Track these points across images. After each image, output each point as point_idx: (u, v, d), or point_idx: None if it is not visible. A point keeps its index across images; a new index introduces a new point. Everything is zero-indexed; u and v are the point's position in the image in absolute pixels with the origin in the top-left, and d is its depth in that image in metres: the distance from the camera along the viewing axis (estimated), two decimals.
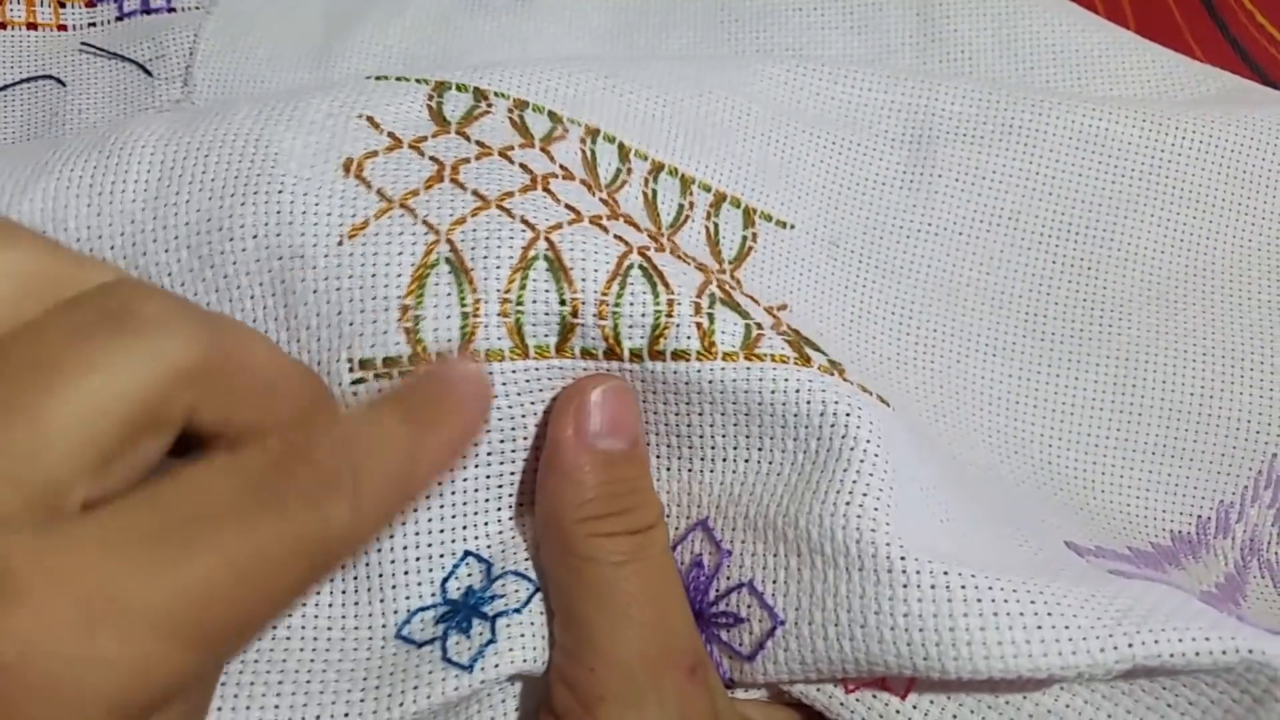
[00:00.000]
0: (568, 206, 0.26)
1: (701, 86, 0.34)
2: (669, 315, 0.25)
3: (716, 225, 0.32)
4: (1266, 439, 0.34)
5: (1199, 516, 0.34)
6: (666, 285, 0.25)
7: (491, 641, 0.25)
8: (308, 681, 0.24)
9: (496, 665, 0.24)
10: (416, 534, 0.25)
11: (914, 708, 0.23)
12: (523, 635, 0.25)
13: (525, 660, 0.24)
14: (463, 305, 0.24)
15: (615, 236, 0.26)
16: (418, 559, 0.25)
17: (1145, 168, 0.36)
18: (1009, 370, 0.35)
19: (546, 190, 0.27)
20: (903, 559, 0.22)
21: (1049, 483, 0.34)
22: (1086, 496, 0.34)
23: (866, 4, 0.45)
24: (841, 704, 0.24)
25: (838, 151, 0.36)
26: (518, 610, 0.25)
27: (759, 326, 0.25)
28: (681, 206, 0.31)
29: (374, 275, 0.24)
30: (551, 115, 0.31)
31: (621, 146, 0.31)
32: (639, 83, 0.33)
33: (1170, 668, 0.21)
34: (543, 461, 0.25)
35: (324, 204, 0.25)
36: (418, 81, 0.29)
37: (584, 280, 0.25)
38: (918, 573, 0.22)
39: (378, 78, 0.29)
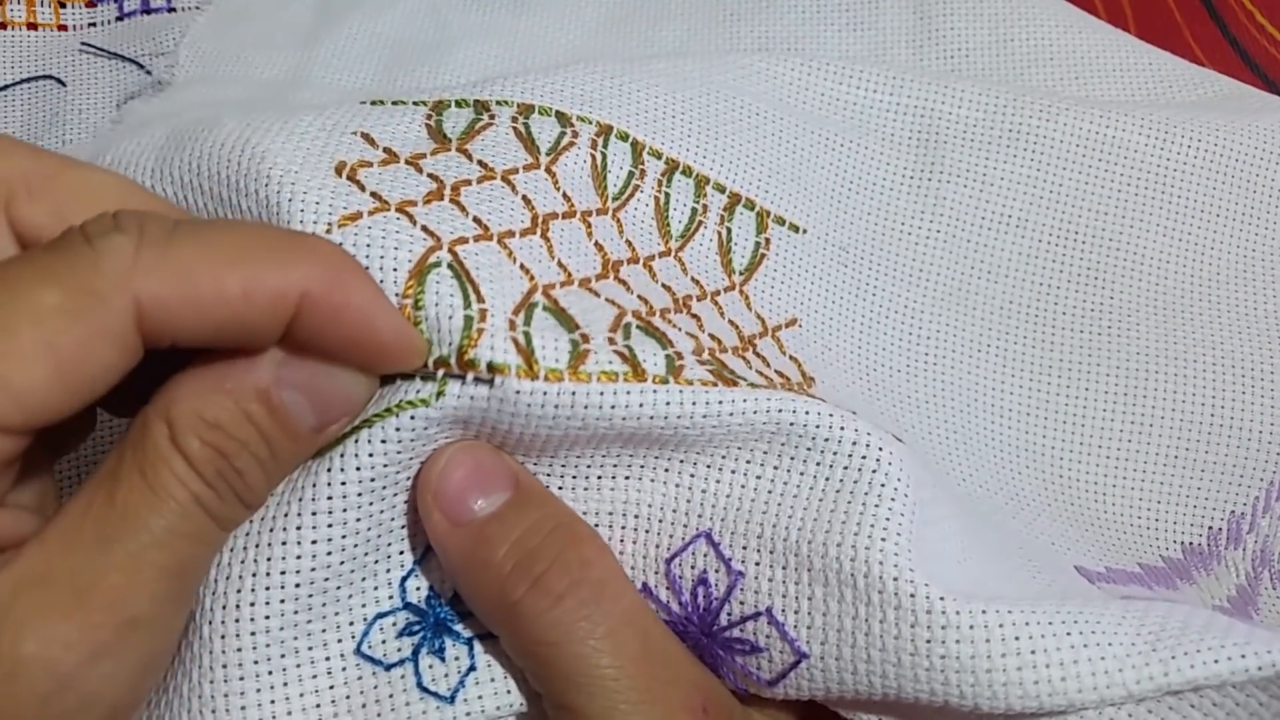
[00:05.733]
0: (560, 265, 0.25)
1: (709, 85, 0.34)
2: (680, 360, 0.24)
3: (730, 230, 0.31)
4: (1277, 449, 0.34)
5: (1210, 527, 0.34)
6: (671, 344, 0.24)
7: (471, 669, 0.23)
8: None
9: (480, 697, 0.23)
10: (370, 529, 0.23)
11: None
12: (506, 660, 0.24)
13: (510, 691, 0.24)
14: (467, 309, 0.22)
15: (607, 300, 0.25)
16: (375, 560, 0.23)
17: (1152, 175, 0.36)
18: (1019, 381, 0.35)
19: (545, 237, 0.26)
20: (941, 599, 0.22)
21: (1060, 497, 0.34)
22: (1098, 510, 0.34)
23: (864, 1, 0.45)
24: None
25: (845, 155, 0.36)
26: (494, 635, 0.24)
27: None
28: (695, 211, 0.31)
29: (367, 263, 0.22)
30: (560, 116, 0.29)
31: (635, 144, 0.30)
32: (646, 82, 0.32)
33: (1203, 688, 0.21)
34: (443, 566, 0.23)
35: (313, 194, 0.23)
36: (415, 104, 0.28)
37: (589, 326, 0.23)
38: (957, 613, 0.21)
39: (374, 101, 0.28)
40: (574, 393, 0.22)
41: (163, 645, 0.20)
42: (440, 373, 0.22)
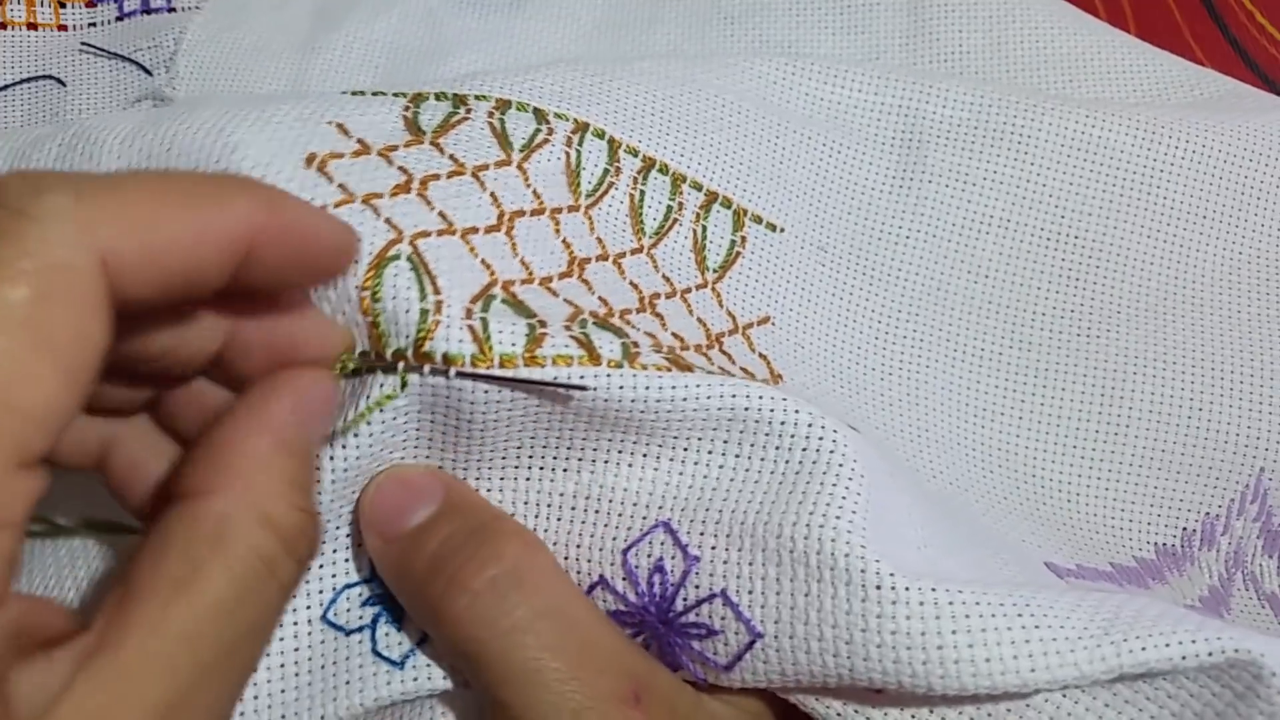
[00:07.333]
0: (522, 263, 0.26)
1: (692, 84, 0.34)
2: (635, 348, 0.24)
3: (705, 228, 0.31)
4: (1254, 453, 0.34)
5: (1184, 529, 0.34)
6: (627, 336, 0.25)
7: (424, 640, 0.24)
8: None
9: (428, 665, 0.24)
10: (341, 506, 0.24)
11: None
12: None
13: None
14: (423, 301, 0.23)
15: (565, 300, 0.25)
16: (347, 534, 0.24)
17: (1138, 176, 0.36)
18: (995, 381, 0.35)
19: (509, 235, 0.26)
20: (891, 575, 0.22)
21: (1032, 497, 0.34)
22: (1071, 510, 0.34)
23: (858, 3, 0.45)
24: (838, 713, 0.24)
25: (828, 154, 0.36)
26: None
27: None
28: (670, 209, 0.31)
29: None
30: (536, 113, 0.30)
31: (611, 142, 0.30)
32: (628, 80, 0.32)
33: (1156, 672, 0.21)
34: (385, 583, 0.24)
35: (280, 187, 0.23)
36: (395, 95, 0.28)
37: (547, 316, 0.24)
38: (906, 589, 0.22)
39: (355, 92, 0.29)
40: (526, 379, 0.23)
41: None
42: (400, 365, 0.22)
